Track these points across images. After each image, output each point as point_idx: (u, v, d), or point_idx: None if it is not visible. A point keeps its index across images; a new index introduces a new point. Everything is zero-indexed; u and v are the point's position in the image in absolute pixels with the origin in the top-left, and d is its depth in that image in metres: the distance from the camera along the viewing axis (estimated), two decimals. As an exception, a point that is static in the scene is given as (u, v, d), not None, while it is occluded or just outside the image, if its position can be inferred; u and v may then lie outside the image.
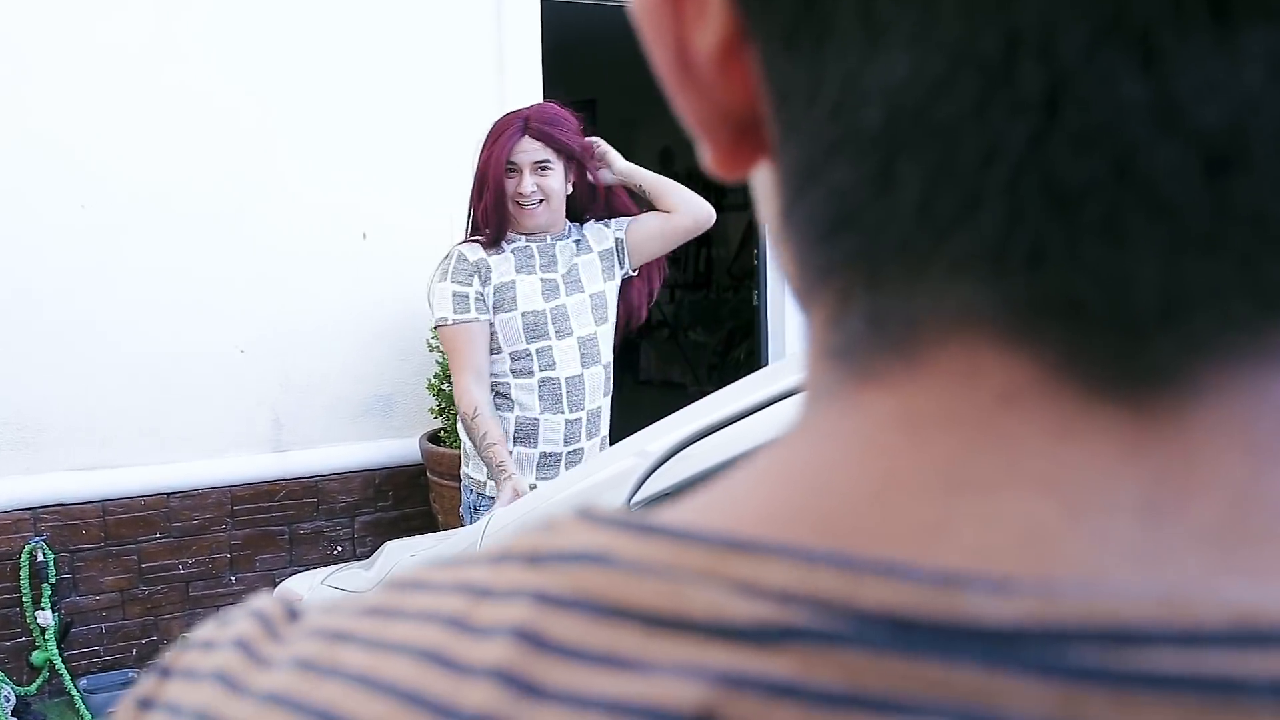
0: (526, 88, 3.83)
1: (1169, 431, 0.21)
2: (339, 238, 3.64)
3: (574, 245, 2.59)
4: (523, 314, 2.49)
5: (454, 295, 2.49)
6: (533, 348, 2.49)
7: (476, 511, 2.50)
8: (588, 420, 2.55)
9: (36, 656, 3.35)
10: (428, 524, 3.57)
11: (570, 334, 2.52)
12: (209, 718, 0.27)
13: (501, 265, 2.51)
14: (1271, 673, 0.18)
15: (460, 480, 2.70)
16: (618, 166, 2.65)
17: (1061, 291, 0.21)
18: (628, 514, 0.24)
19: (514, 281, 2.50)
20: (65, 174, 3.30)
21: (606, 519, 0.24)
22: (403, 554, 2.06)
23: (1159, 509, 0.20)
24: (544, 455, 2.51)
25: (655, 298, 2.79)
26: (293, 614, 0.29)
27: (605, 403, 2.60)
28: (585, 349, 2.54)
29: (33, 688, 3.35)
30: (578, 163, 2.54)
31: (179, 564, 3.53)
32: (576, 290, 2.55)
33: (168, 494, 3.50)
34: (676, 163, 8.13)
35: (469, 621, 0.23)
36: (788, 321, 4.52)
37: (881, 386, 0.23)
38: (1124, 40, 0.19)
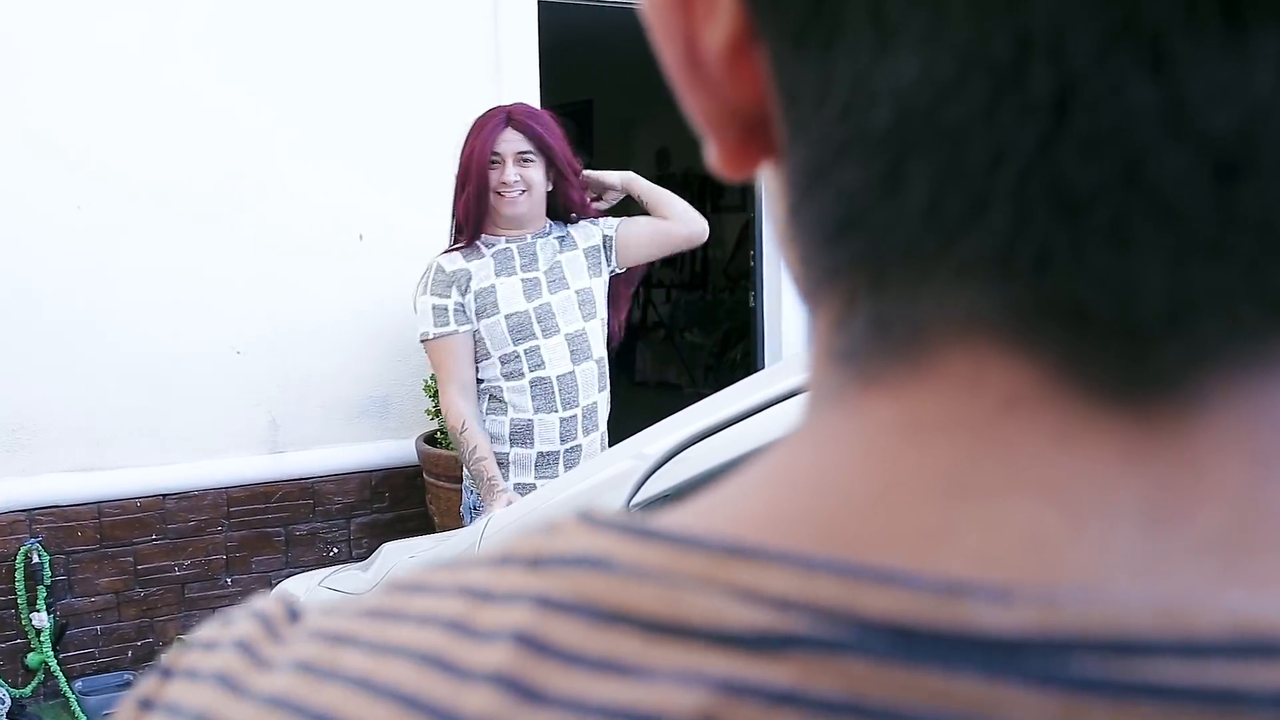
0: (523, 88, 3.83)
1: (1173, 439, 0.21)
2: (336, 239, 3.63)
3: (556, 242, 2.59)
4: (506, 316, 2.49)
5: (433, 309, 2.52)
6: (520, 349, 2.50)
7: (477, 511, 2.51)
8: (583, 416, 2.55)
9: (31, 659, 3.34)
10: (424, 525, 3.57)
11: (557, 331, 2.52)
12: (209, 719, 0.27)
13: (481, 271, 2.51)
14: (1273, 684, 0.18)
15: (458, 481, 2.71)
16: (611, 180, 2.68)
17: (1067, 296, 0.21)
18: (629, 517, 0.24)
19: (494, 285, 2.51)
20: (62, 174, 3.30)
21: (607, 522, 0.24)
22: (401, 555, 2.06)
23: (1162, 517, 0.20)
24: (541, 455, 2.52)
25: (623, 330, 2.79)
26: (294, 615, 0.29)
27: (601, 398, 2.60)
28: (574, 345, 2.53)
29: (28, 690, 3.34)
30: (557, 166, 2.56)
31: (175, 566, 3.53)
32: (561, 287, 2.55)
33: (163, 495, 3.49)
34: (674, 163, 8.14)
35: (470, 625, 0.23)
36: (784, 322, 4.52)
37: (885, 391, 0.23)
38: (1134, 43, 0.19)
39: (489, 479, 2.41)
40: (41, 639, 3.32)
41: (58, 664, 3.34)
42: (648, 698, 0.20)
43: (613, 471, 1.58)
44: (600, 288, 2.62)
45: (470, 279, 2.51)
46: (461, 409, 2.49)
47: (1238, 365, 0.21)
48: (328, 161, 3.61)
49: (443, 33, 3.74)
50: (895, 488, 0.22)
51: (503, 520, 1.84)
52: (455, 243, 2.58)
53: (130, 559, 3.47)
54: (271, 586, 3.23)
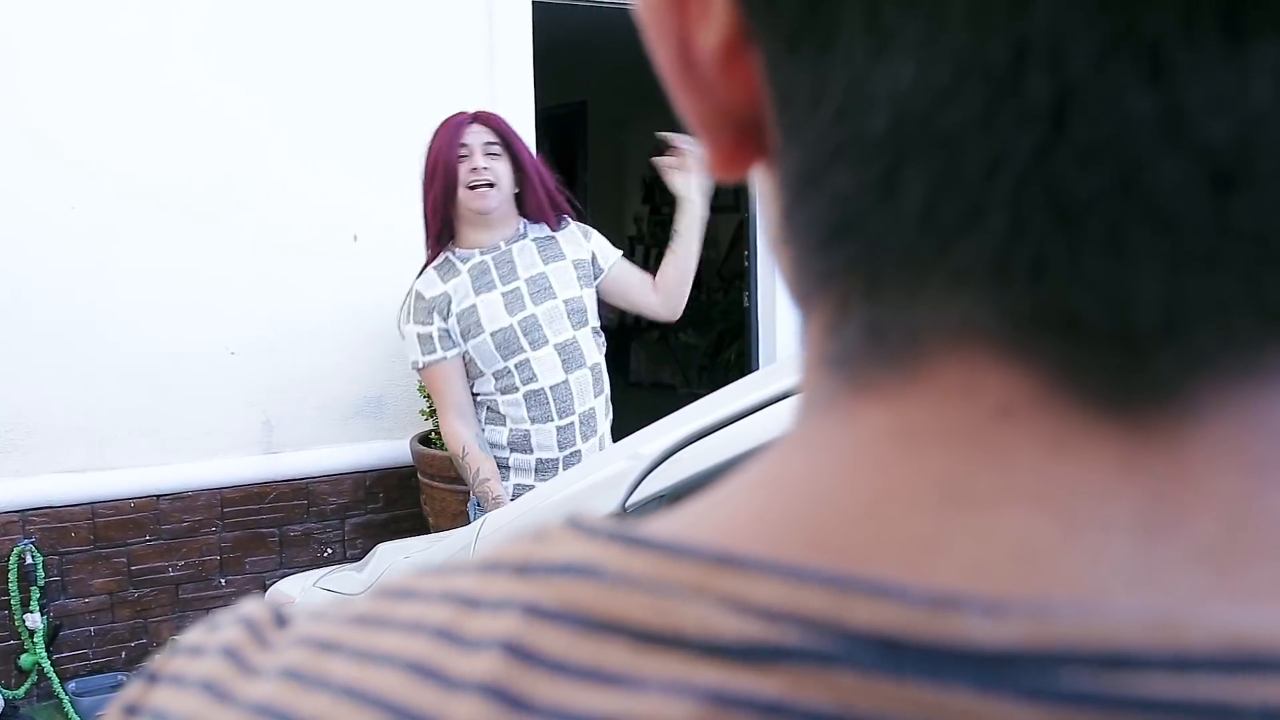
0: (517, 89, 3.83)
1: (1166, 449, 0.21)
2: (330, 239, 3.63)
3: (534, 246, 2.54)
4: (491, 334, 2.46)
5: (419, 337, 2.51)
6: (510, 364, 2.47)
7: (480, 509, 2.51)
8: (581, 424, 2.53)
9: (25, 659, 3.33)
10: (418, 526, 3.56)
11: (546, 342, 2.48)
12: None
13: (459, 292, 2.48)
14: (1262, 699, 0.18)
15: (453, 482, 2.70)
16: (690, 190, 2.57)
17: (1062, 305, 0.21)
18: (617, 525, 0.23)
19: (475, 305, 2.47)
20: (57, 174, 3.29)
21: (596, 529, 0.23)
22: (395, 556, 2.06)
23: (1154, 528, 0.20)
24: (540, 461, 2.51)
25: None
26: (281, 620, 0.28)
27: (598, 403, 2.58)
28: (566, 354, 2.50)
29: (21, 691, 3.34)
30: (523, 168, 2.53)
31: (169, 566, 3.52)
32: (546, 297, 2.50)
33: (157, 496, 3.49)
34: (667, 164, 8.14)
35: (458, 633, 0.23)
36: (778, 323, 4.52)
37: (877, 398, 0.23)
38: (1134, 52, 0.19)
39: (494, 498, 2.42)
40: (35, 640, 3.31)
41: (51, 665, 3.33)
42: (637, 708, 0.20)
43: (609, 472, 1.58)
44: (591, 298, 2.57)
45: (450, 302, 2.48)
46: (461, 434, 2.48)
47: (1233, 375, 0.21)
48: (322, 162, 3.60)
49: (437, 33, 3.74)
50: (887, 497, 0.21)
51: (499, 520, 1.84)
52: (430, 249, 2.55)
53: (124, 560, 3.46)
54: (266, 587, 3.22)
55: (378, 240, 3.66)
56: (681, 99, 0.26)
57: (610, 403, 2.64)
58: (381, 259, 3.64)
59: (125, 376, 3.41)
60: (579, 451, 2.53)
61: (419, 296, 2.51)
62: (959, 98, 0.20)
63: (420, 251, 2.63)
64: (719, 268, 7.96)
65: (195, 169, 3.44)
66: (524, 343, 2.47)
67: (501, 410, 2.51)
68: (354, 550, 3.68)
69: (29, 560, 3.29)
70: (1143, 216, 0.20)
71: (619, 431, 2.56)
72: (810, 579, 0.20)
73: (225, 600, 3.48)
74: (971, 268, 0.21)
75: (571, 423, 2.52)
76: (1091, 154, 0.20)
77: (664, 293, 2.64)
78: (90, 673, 3.44)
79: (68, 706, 3.32)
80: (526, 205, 2.55)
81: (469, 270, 2.50)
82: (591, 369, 2.55)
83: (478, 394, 2.54)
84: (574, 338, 2.51)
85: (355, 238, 3.67)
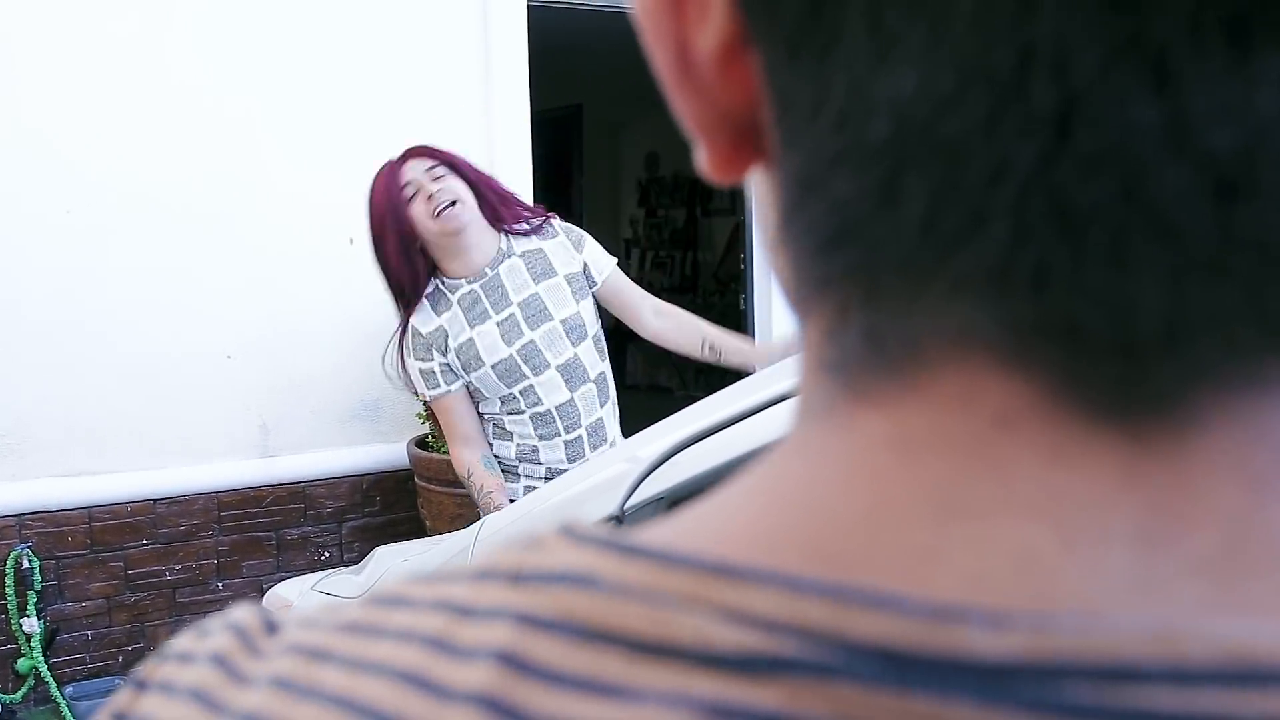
0: (513, 92, 3.83)
1: (1167, 460, 0.21)
2: (326, 242, 3.63)
3: (521, 264, 2.46)
4: (492, 366, 2.43)
5: (421, 373, 2.48)
6: (515, 390, 2.45)
7: None
8: (589, 435, 2.51)
9: (22, 664, 3.32)
10: (415, 529, 3.56)
11: (548, 366, 2.45)
12: None
13: (454, 325, 2.43)
14: (1263, 712, 0.18)
15: (449, 485, 2.70)
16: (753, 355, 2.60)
17: (1064, 314, 0.20)
18: (612, 532, 0.23)
19: (471, 339, 2.43)
20: (54, 177, 3.29)
21: (590, 537, 0.23)
22: (394, 559, 2.06)
23: (1155, 539, 0.20)
24: (550, 470, 2.50)
25: None
26: (270, 627, 0.28)
27: (605, 412, 2.55)
28: (568, 374, 2.47)
29: (18, 695, 3.33)
30: (472, 183, 2.42)
31: (166, 570, 3.52)
32: (543, 320, 2.44)
33: (154, 500, 3.48)
34: (663, 167, 8.14)
35: (450, 642, 0.23)
36: (774, 325, 4.52)
37: (876, 406, 0.23)
38: (1139, 60, 0.19)
39: (497, 507, 2.40)
40: (32, 644, 3.30)
41: (48, 669, 3.33)
42: (633, 719, 0.20)
43: (607, 475, 1.59)
44: (589, 308, 2.51)
45: (447, 337, 2.44)
46: (465, 459, 2.48)
47: (1234, 386, 0.20)
48: (318, 165, 3.60)
49: (432, 37, 3.74)
50: (885, 506, 0.21)
51: (498, 522, 1.84)
52: (401, 309, 2.46)
53: (121, 564, 3.46)
54: (263, 591, 3.22)
55: (374, 243, 3.66)
56: (679, 101, 0.26)
57: (617, 409, 2.62)
58: (378, 262, 3.64)
59: (122, 380, 3.41)
60: (588, 461, 2.53)
61: (415, 333, 2.45)
62: (962, 105, 0.20)
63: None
64: (715, 270, 7.97)
65: (192, 171, 3.44)
66: (525, 370, 2.43)
67: (508, 428, 2.50)
68: (351, 553, 3.68)
69: (25, 564, 3.29)
70: (1145, 226, 0.20)
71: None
72: (809, 589, 0.20)
73: (222, 604, 3.47)
74: (972, 276, 0.21)
75: (579, 436, 2.50)
76: (1095, 163, 0.20)
77: (662, 335, 2.61)
78: (87, 677, 3.44)
79: (65, 711, 3.32)
80: (485, 218, 2.46)
81: (459, 301, 2.44)
82: (596, 380, 2.52)
83: (484, 413, 2.52)
84: (575, 355, 2.47)
85: (352, 240, 3.66)
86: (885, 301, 0.22)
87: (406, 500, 3.75)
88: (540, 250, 2.49)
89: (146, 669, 0.30)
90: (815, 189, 0.23)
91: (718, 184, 0.28)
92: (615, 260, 2.61)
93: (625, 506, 1.41)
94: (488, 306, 2.44)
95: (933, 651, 0.19)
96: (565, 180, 7.99)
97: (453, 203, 2.36)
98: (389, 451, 3.75)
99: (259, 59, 3.52)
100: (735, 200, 6.82)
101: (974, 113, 0.20)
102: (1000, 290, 0.21)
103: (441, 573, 0.26)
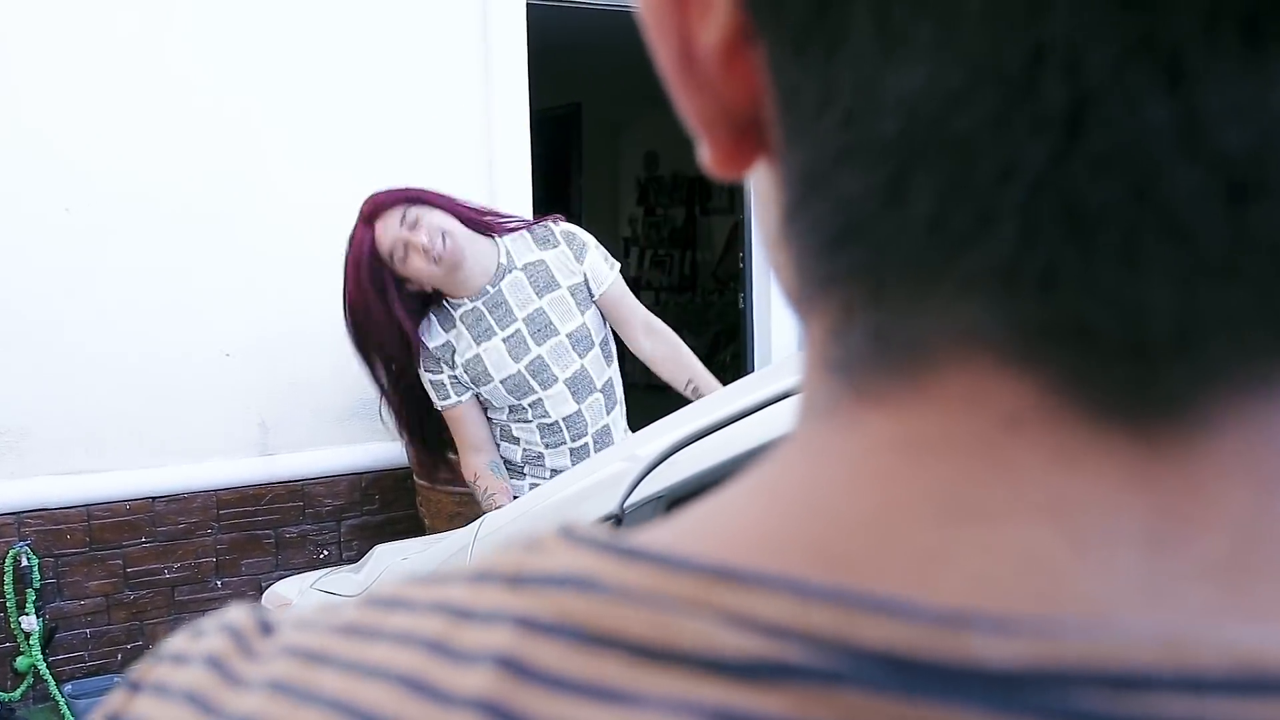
0: (512, 92, 3.83)
1: (1176, 462, 0.20)
2: (326, 241, 3.62)
3: (523, 277, 2.45)
4: (501, 382, 2.46)
5: (432, 384, 2.51)
6: (524, 402, 2.48)
7: None
8: (595, 442, 2.54)
9: (21, 662, 3.32)
10: (414, 527, 3.56)
11: (555, 380, 2.46)
12: None
13: (460, 342, 2.45)
14: None
15: (448, 483, 2.72)
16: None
17: (1073, 315, 0.20)
18: (612, 534, 0.23)
19: (479, 355, 2.45)
20: (52, 176, 3.29)
21: (590, 539, 0.23)
22: (393, 557, 2.06)
23: (1163, 542, 0.20)
24: (554, 471, 2.52)
25: None
26: (266, 628, 0.28)
27: (612, 418, 2.57)
28: (576, 386, 2.49)
29: (17, 693, 3.33)
30: (442, 206, 2.39)
31: (164, 569, 3.52)
32: (549, 335, 2.44)
33: (153, 498, 3.48)
34: (662, 165, 8.14)
35: (450, 645, 0.23)
36: (774, 324, 4.53)
37: (881, 406, 0.22)
38: (1152, 59, 0.19)
39: (498, 509, 2.45)
40: (30, 642, 3.30)
41: (47, 667, 3.33)
42: None
43: (607, 473, 1.59)
44: (594, 317, 2.51)
45: (454, 352, 2.46)
46: (473, 464, 2.53)
47: (1245, 388, 0.20)
48: (317, 164, 3.60)
49: (432, 35, 3.74)
50: (890, 509, 0.21)
51: (496, 521, 1.84)
52: (414, 344, 2.46)
53: (120, 562, 3.46)
54: (262, 589, 3.22)
55: (373, 242, 3.66)
56: (681, 97, 0.25)
57: (624, 412, 2.64)
58: (377, 261, 3.64)
59: (121, 378, 3.41)
60: None
61: (424, 348, 2.48)
62: (971, 102, 0.20)
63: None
64: (714, 269, 7.97)
65: (191, 171, 3.44)
66: (534, 384, 2.46)
67: (515, 434, 2.54)
68: (350, 552, 3.68)
69: (24, 563, 3.29)
70: (1157, 226, 0.19)
71: (614, 433, 2.58)
72: (814, 594, 0.20)
73: (221, 602, 3.47)
74: (980, 275, 0.21)
75: (585, 443, 2.53)
76: (1106, 162, 0.19)
77: (650, 361, 2.62)
78: (86, 675, 3.44)
79: (64, 709, 3.32)
80: (475, 231, 2.45)
81: (461, 319, 2.45)
82: (603, 389, 2.54)
83: (491, 419, 2.56)
84: (582, 366, 2.49)
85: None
86: (891, 301, 0.22)
87: (405, 498, 3.75)
88: (542, 262, 2.48)
89: (140, 670, 0.29)
90: (820, 186, 0.23)
91: (720, 179, 0.27)
92: (618, 267, 2.60)
93: (624, 505, 1.41)
94: (492, 323, 2.44)
95: (940, 658, 0.19)
96: (564, 179, 7.99)
97: (442, 235, 2.32)
98: (388, 450, 3.74)
99: (258, 59, 3.51)
100: (734, 199, 6.83)
101: (983, 111, 0.20)
102: (1008, 290, 0.21)
103: (439, 574, 0.25)
